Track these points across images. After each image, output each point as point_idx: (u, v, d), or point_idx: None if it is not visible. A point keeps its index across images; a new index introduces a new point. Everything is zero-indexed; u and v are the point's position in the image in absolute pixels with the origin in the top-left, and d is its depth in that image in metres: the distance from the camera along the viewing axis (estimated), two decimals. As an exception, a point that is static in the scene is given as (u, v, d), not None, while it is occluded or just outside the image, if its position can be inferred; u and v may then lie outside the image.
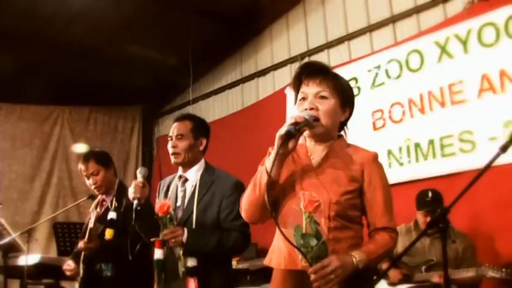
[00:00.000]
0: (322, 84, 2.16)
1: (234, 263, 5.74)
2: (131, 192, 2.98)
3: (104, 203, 3.83)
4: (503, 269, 4.02)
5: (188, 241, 2.86)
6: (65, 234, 5.22)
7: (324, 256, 1.88)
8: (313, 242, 1.87)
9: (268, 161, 2.06)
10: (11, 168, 7.98)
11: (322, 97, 2.14)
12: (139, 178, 3.03)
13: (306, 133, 2.17)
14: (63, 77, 7.51)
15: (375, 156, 2.18)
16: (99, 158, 3.82)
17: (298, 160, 2.20)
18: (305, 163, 2.18)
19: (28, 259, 4.83)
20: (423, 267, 4.36)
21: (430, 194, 4.49)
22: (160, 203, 2.92)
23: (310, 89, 2.16)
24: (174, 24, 7.03)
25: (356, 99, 5.78)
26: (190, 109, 8.42)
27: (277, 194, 2.13)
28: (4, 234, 4.99)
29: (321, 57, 6.69)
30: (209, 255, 2.91)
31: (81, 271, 3.46)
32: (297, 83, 2.24)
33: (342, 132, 2.31)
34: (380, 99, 5.74)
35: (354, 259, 1.94)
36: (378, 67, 5.81)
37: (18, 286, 5.54)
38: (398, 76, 5.63)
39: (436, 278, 4.18)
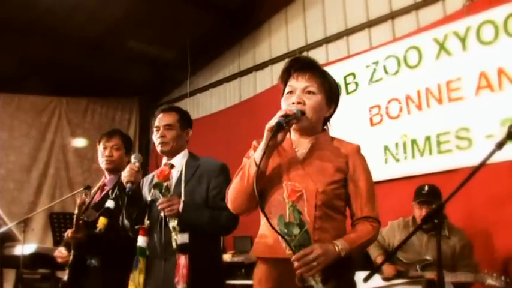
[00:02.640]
0: (311, 79, 2.21)
1: (229, 256, 5.77)
2: (125, 176, 3.01)
3: (105, 187, 3.74)
4: (503, 278, 3.97)
5: (184, 212, 2.89)
6: (61, 224, 5.22)
7: (307, 244, 1.95)
8: (296, 230, 1.95)
9: (257, 153, 2.12)
10: (8, 158, 7.98)
11: (310, 92, 2.20)
12: (136, 163, 3.09)
13: (293, 127, 2.21)
14: (61, 68, 7.50)
15: (358, 149, 2.24)
16: (125, 137, 3.80)
17: (284, 153, 2.24)
18: (291, 155, 2.22)
19: (24, 249, 4.84)
20: (418, 266, 4.35)
21: (426, 188, 4.49)
22: (161, 169, 2.94)
23: (299, 83, 2.21)
24: (172, 17, 7.03)
25: (353, 95, 5.81)
26: (187, 102, 8.43)
27: (263, 185, 2.16)
28: (0, 224, 4.99)
29: (319, 52, 6.71)
30: (202, 230, 2.94)
31: (70, 258, 3.44)
32: (285, 77, 2.29)
33: (327, 127, 2.37)
34: (377, 95, 5.75)
35: (336, 247, 1.99)
36: (376, 63, 5.82)
37: (14, 276, 5.55)
38: (396, 72, 5.64)
39: (431, 275, 4.17)
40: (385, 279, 4.46)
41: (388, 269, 4.42)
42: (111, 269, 3.36)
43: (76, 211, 3.39)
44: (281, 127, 2.03)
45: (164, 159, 3.30)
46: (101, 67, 7.67)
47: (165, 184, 2.92)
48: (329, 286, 1.97)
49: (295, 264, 1.93)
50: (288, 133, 2.25)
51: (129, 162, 3.65)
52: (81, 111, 8.71)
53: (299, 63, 2.27)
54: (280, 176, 2.17)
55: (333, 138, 2.29)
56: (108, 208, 3.33)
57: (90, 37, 7.19)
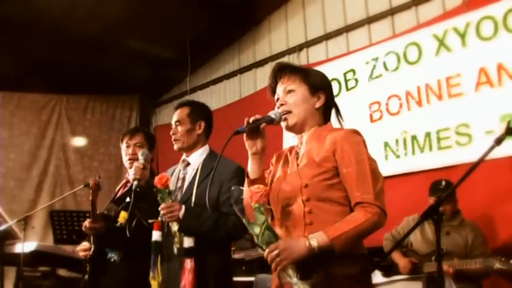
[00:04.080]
0: (287, 80, 2.29)
1: (229, 253, 5.77)
2: (132, 173, 3.04)
3: (128, 184, 3.69)
4: (511, 261, 3.97)
5: (185, 218, 2.84)
6: (62, 222, 5.22)
7: (273, 241, 1.95)
8: (257, 229, 1.97)
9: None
10: (8, 156, 7.98)
11: (289, 91, 2.26)
12: (141, 160, 3.11)
13: (283, 128, 2.26)
14: (61, 66, 7.51)
15: (349, 133, 2.16)
16: (147, 134, 3.80)
17: (290, 157, 2.29)
18: (293, 157, 2.26)
19: (24, 247, 4.84)
20: (433, 257, 4.33)
21: (443, 183, 4.48)
22: (159, 175, 2.90)
23: (279, 88, 2.31)
24: (172, 14, 7.01)
25: (353, 91, 5.79)
26: (187, 99, 8.42)
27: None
28: (0, 221, 4.99)
29: (319, 49, 6.72)
30: (205, 236, 2.89)
31: (91, 251, 3.44)
32: (271, 89, 2.38)
33: (335, 119, 2.37)
34: (377, 92, 5.75)
35: (306, 241, 1.94)
36: (376, 59, 5.82)
37: (15, 273, 5.56)
38: (396, 68, 5.64)
39: (445, 267, 4.13)
40: (387, 275, 4.47)
41: (402, 262, 4.43)
42: (133, 262, 3.35)
43: (91, 197, 3.40)
44: (239, 133, 2.12)
45: (184, 155, 3.27)
46: (100, 65, 7.65)
47: (166, 190, 2.88)
48: (313, 280, 1.93)
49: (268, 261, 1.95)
50: (298, 136, 2.30)
51: (152, 159, 3.68)
52: (81, 109, 8.70)
53: (274, 72, 2.36)
54: (281, 179, 2.21)
55: (330, 129, 2.26)
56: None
57: (90, 35, 7.17)
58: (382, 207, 2.00)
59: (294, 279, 1.92)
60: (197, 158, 3.20)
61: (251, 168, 2.19)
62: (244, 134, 2.14)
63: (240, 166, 3.12)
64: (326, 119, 2.31)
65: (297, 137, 2.30)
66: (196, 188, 3.05)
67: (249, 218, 2.15)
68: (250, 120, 2.13)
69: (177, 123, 3.22)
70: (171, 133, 3.23)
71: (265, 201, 1.97)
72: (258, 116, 2.15)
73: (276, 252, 1.91)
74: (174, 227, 2.87)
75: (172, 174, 3.26)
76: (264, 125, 2.16)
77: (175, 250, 2.86)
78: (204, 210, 2.93)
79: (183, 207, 2.88)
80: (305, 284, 1.92)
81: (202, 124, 3.28)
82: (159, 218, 2.99)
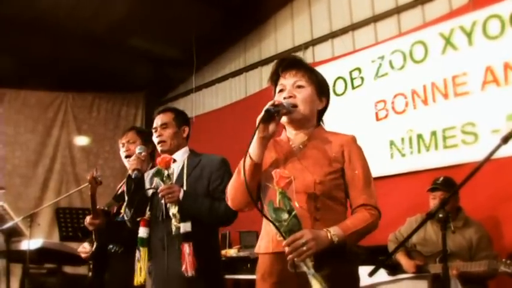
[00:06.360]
0: (298, 74, 2.28)
1: (235, 250, 5.78)
2: (132, 163, 3.16)
3: None
4: None
5: (184, 199, 2.96)
6: (67, 219, 5.22)
7: (296, 230, 1.95)
8: (285, 215, 1.94)
9: (251, 146, 2.12)
10: (14, 153, 8.01)
11: (299, 86, 2.26)
12: (143, 153, 3.27)
13: (285, 120, 2.25)
14: (66, 63, 7.52)
15: (354, 139, 2.28)
16: (139, 130, 3.89)
17: (280, 148, 2.28)
18: (287, 150, 2.26)
19: (30, 244, 4.86)
20: (437, 258, 4.32)
21: (441, 178, 4.49)
22: (162, 156, 3.00)
23: (287, 80, 2.28)
24: (178, 12, 7.02)
25: (359, 90, 5.81)
26: (193, 97, 8.44)
27: (262, 180, 2.20)
28: (7, 218, 5.00)
29: (325, 47, 6.71)
30: (201, 219, 3.00)
31: (93, 248, 3.50)
32: (274, 78, 2.36)
33: (322, 122, 2.41)
34: (383, 90, 5.74)
35: (328, 233, 2.00)
36: (382, 58, 5.81)
37: (21, 270, 5.58)
38: (402, 67, 5.63)
39: (450, 271, 4.08)
40: (391, 273, 4.46)
41: (407, 264, 4.41)
42: (135, 255, 3.40)
43: (90, 192, 3.48)
44: (271, 115, 2.06)
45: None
46: (107, 62, 7.68)
47: (166, 172, 2.98)
48: (323, 273, 1.95)
49: (286, 249, 1.93)
50: (284, 130, 2.33)
51: (153, 152, 3.73)
52: (87, 107, 8.73)
53: (285, 62, 2.35)
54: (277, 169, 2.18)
55: (327, 132, 2.33)
56: None
57: (96, 33, 7.20)
58: (380, 211, 2.16)
59: (312, 270, 1.93)
60: (181, 156, 3.32)
61: (256, 151, 2.12)
62: (261, 116, 2.06)
63: (224, 157, 3.30)
64: (319, 122, 2.37)
65: (291, 130, 2.32)
66: (187, 179, 3.18)
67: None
68: (273, 103, 2.09)
69: (163, 126, 3.32)
70: (156, 135, 3.32)
71: (287, 189, 1.98)
72: (279, 101, 2.13)
73: (303, 240, 1.92)
74: (173, 209, 2.95)
75: (151, 176, 3.32)
76: (284, 111, 2.15)
77: (173, 230, 2.93)
78: (198, 195, 3.10)
79: (182, 189, 3.01)
80: (319, 276, 1.93)
81: (186, 129, 3.41)
82: (147, 214, 3.12)
